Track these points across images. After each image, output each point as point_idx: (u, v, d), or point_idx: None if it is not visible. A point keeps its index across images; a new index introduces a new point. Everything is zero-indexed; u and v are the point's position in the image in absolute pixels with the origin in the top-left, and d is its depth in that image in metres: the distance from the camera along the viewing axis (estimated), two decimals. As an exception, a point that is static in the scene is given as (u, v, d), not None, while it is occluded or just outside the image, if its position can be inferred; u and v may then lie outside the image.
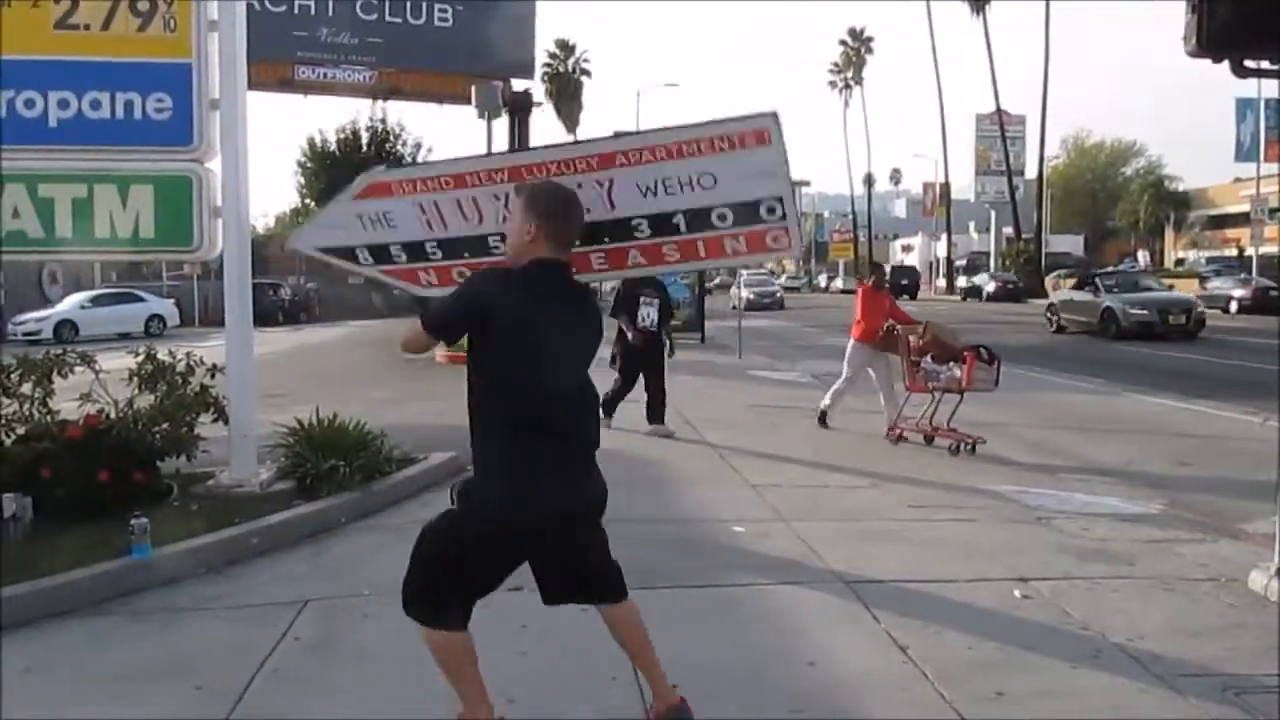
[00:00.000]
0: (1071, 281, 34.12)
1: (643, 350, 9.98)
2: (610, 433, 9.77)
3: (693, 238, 4.05)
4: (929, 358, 9.36)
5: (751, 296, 38.66)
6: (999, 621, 4.69)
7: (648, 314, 9.95)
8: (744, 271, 40.73)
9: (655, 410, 10.12)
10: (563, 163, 4.02)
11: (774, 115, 4.00)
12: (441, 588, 3.15)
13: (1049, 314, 28.15)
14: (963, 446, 8.95)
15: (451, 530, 3.17)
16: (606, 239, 4.07)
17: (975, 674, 4.06)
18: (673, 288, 23.18)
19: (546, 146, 4.84)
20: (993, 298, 49.62)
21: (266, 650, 4.29)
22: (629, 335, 9.97)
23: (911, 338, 9.50)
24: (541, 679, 3.95)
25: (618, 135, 4.25)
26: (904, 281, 53.06)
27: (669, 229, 4.03)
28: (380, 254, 4.55)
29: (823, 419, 10.37)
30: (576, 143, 4.96)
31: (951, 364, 9.20)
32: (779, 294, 46.94)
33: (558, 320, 3.13)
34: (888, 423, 9.78)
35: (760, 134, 3.93)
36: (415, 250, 4.46)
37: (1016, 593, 5.07)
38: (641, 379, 10.15)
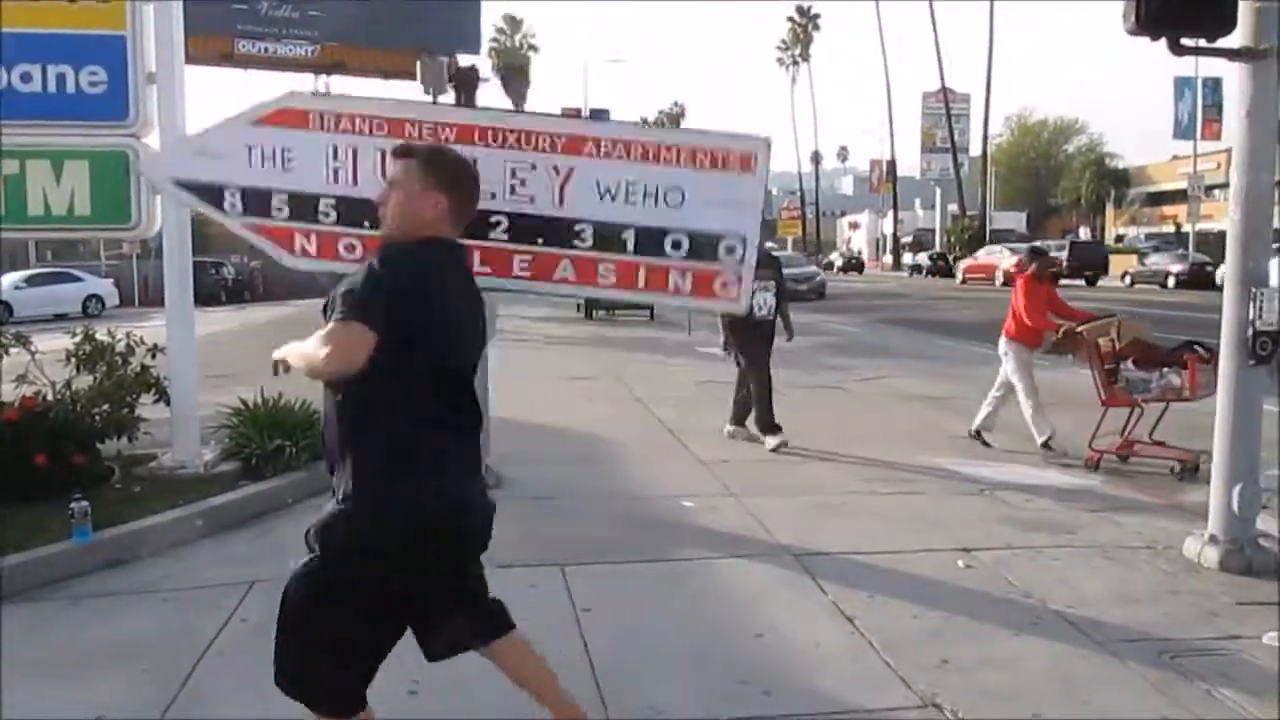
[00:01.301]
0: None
1: (756, 341, 8.43)
2: (558, 406, 9.77)
3: (636, 261, 3.57)
4: (1129, 363, 7.68)
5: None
6: (944, 591, 4.78)
7: (764, 300, 8.29)
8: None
9: (744, 410, 8.65)
10: (525, 134, 3.51)
11: (766, 141, 3.65)
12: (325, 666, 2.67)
13: None
14: (1183, 469, 7.16)
15: (324, 586, 2.64)
16: (540, 240, 3.54)
17: (920, 643, 4.14)
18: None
19: (514, 111, 4.25)
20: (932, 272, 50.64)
21: (213, 632, 4.25)
22: (726, 337, 8.61)
23: (1101, 341, 7.72)
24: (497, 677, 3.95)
25: (595, 115, 3.90)
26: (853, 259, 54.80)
27: (614, 245, 3.51)
28: (256, 202, 3.81)
29: (1047, 444, 8.01)
30: (548, 115, 4.09)
31: (1164, 370, 7.51)
32: (819, 278, 34.08)
33: (464, 311, 2.76)
34: (979, 425, 8.49)
35: (746, 158, 3.55)
36: (304, 206, 3.75)
37: (960, 563, 5.17)
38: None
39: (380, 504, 2.56)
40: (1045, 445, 7.96)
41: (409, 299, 2.53)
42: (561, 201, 3.48)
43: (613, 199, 3.47)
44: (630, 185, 3.50)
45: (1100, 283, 37.76)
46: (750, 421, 8.52)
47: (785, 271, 9.26)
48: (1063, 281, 38.72)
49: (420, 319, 2.55)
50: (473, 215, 2.89)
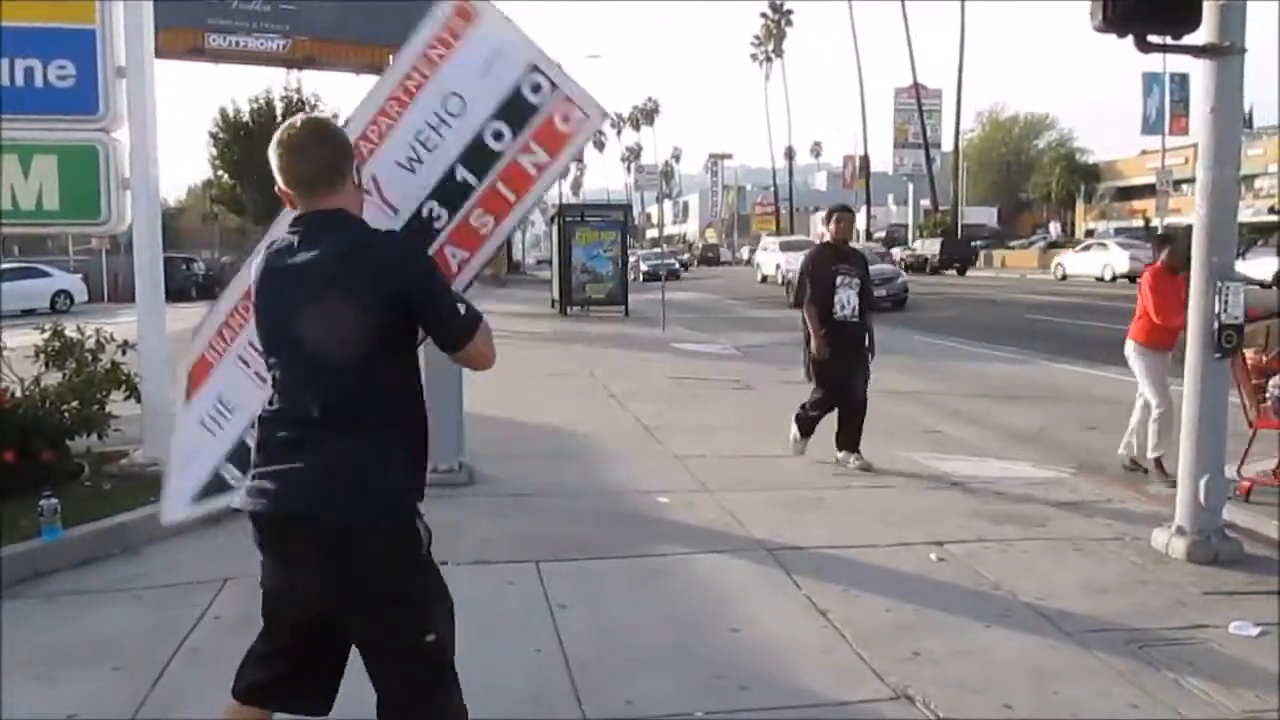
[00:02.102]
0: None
1: (840, 347, 7.19)
2: (532, 402, 9.76)
3: (490, 185, 2.90)
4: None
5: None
6: (916, 584, 4.83)
7: (847, 299, 7.15)
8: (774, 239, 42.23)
9: (848, 431, 7.35)
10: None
11: None
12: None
13: None
14: None
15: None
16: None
17: (893, 635, 4.18)
18: (596, 260, 23.46)
19: None
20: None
21: (186, 629, 4.22)
22: (813, 339, 7.25)
23: (1248, 353, 6.30)
24: (467, 652, 3.94)
25: (346, 123, 2.97)
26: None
27: (461, 193, 2.89)
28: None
29: (1160, 466, 6.94)
30: None
31: None
32: (900, 280, 26.41)
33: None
34: (1141, 451, 7.22)
35: (463, 11, 2.94)
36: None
37: (933, 556, 5.22)
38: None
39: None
40: (1157, 464, 6.95)
41: None
42: (395, 211, 2.86)
43: (419, 163, 2.89)
44: (419, 137, 2.90)
45: (970, 273, 44.75)
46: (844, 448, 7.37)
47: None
48: (937, 271, 41.37)
49: None
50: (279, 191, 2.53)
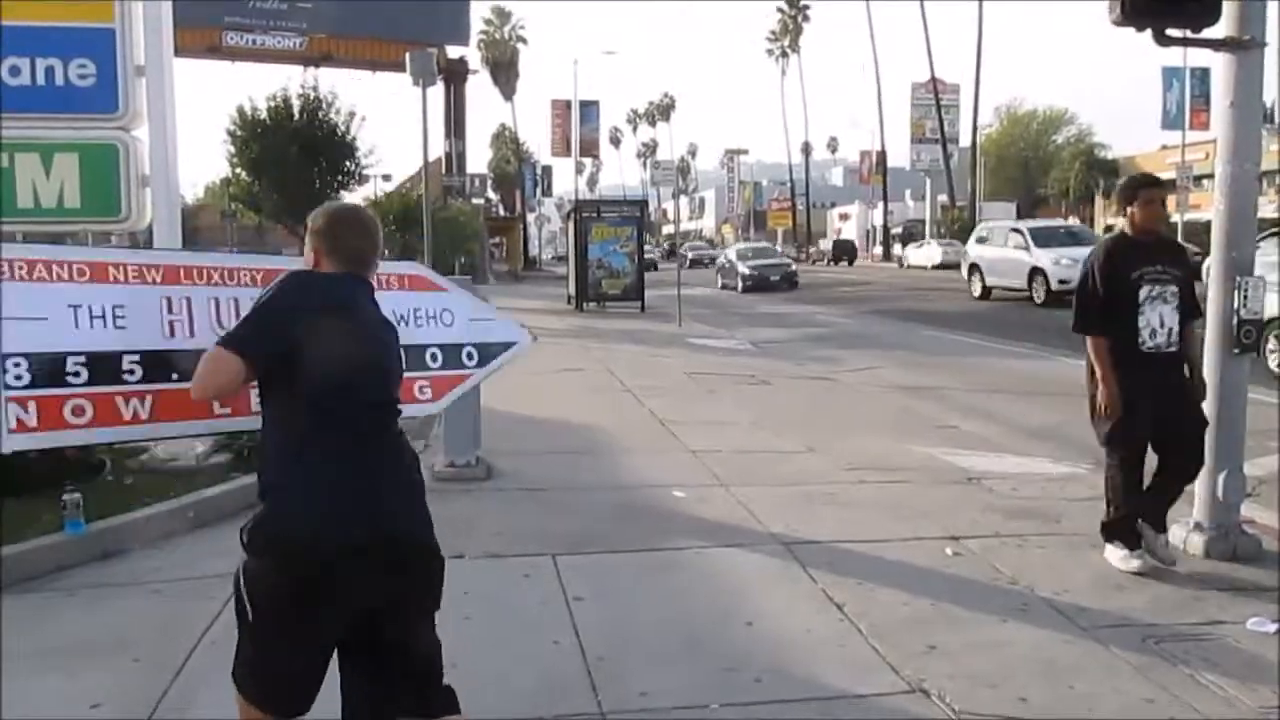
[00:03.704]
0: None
1: (1149, 392, 4.80)
2: (549, 397, 9.79)
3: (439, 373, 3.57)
4: None
5: (746, 271, 33.03)
6: (932, 579, 4.83)
7: (1161, 319, 4.81)
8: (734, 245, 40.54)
9: (1163, 499, 5.06)
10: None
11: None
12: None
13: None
14: None
15: None
16: None
17: (908, 629, 4.18)
18: (612, 256, 23.48)
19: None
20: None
21: (206, 623, 4.26)
22: (1103, 387, 4.86)
23: None
24: (484, 644, 3.98)
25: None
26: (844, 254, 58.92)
27: (420, 363, 3.49)
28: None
29: None
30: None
31: None
32: (790, 267, 34.72)
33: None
34: None
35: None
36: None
37: (948, 551, 5.22)
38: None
39: None
40: None
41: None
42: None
43: (406, 325, 3.40)
44: (415, 311, 3.50)
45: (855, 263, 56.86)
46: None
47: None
48: (827, 265, 46.64)
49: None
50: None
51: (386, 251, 3.02)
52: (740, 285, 32.88)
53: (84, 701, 3.59)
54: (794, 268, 35.24)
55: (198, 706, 3.59)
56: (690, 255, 51.73)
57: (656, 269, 42.69)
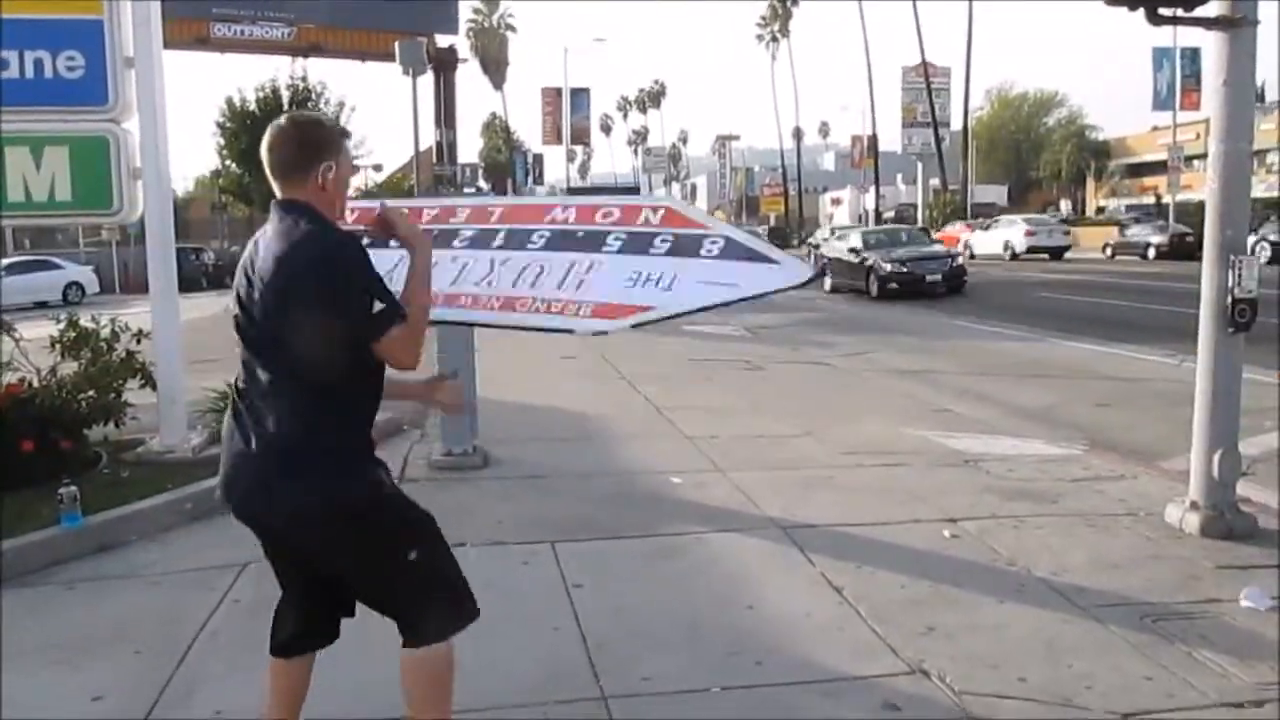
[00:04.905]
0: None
1: None
2: (544, 385, 9.79)
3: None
4: None
5: (888, 269, 22.24)
6: (929, 561, 4.84)
7: None
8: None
9: None
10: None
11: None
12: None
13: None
14: None
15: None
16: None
17: (907, 611, 4.20)
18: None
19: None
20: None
21: (206, 614, 4.27)
22: None
23: None
24: (484, 632, 3.98)
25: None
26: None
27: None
28: None
29: None
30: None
31: None
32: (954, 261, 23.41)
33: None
34: None
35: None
36: None
37: (946, 533, 5.23)
38: None
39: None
40: None
41: None
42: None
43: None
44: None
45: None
46: None
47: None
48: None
49: None
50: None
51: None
52: (875, 287, 22.25)
53: (86, 694, 3.59)
54: (959, 261, 24.03)
55: (200, 696, 3.59)
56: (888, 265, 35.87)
57: None
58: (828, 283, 23.95)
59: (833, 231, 38.23)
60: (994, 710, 3.37)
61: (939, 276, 21.77)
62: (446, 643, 2.69)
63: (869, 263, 22.51)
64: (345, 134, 2.78)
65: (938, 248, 25.34)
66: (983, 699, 3.44)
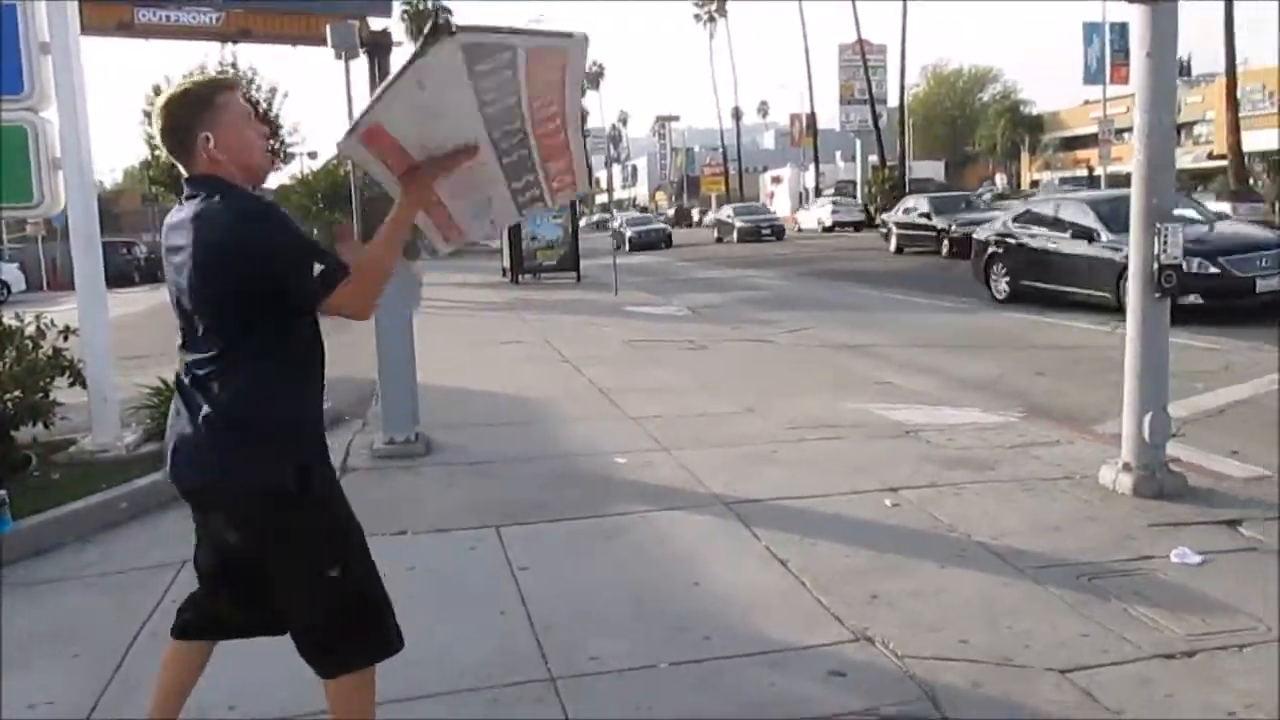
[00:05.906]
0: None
1: None
2: (486, 370, 9.73)
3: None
4: None
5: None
6: (872, 530, 4.91)
7: None
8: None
9: None
10: None
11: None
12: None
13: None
14: None
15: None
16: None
17: (851, 580, 4.25)
18: (545, 227, 23.32)
19: None
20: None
21: (145, 614, 4.18)
22: None
23: None
24: (431, 619, 3.97)
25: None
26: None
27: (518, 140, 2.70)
28: None
29: None
30: None
31: None
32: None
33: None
34: None
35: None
36: None
37: (887, 502, 5.30)
38: None
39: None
40: None
41: None
42: None
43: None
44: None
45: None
46: None
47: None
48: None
49: None
50: None
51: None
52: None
53: (23, 700, 3.50)
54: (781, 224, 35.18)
55: (140, 697, 3.50)
56: (630, 232, 40.82)
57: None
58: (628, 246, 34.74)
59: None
60: (936, 672, 3.42)
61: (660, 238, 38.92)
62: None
63: (627, 232, 36.65)
64: (221, 87, 2.56)
65: (662, 224, 42.77)
66: (925, 662, 3.50)
